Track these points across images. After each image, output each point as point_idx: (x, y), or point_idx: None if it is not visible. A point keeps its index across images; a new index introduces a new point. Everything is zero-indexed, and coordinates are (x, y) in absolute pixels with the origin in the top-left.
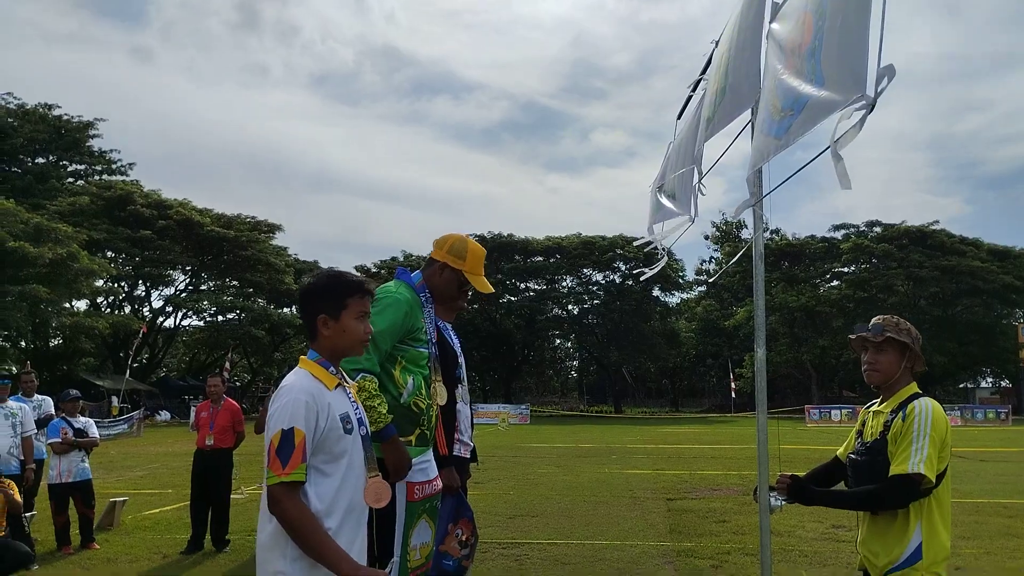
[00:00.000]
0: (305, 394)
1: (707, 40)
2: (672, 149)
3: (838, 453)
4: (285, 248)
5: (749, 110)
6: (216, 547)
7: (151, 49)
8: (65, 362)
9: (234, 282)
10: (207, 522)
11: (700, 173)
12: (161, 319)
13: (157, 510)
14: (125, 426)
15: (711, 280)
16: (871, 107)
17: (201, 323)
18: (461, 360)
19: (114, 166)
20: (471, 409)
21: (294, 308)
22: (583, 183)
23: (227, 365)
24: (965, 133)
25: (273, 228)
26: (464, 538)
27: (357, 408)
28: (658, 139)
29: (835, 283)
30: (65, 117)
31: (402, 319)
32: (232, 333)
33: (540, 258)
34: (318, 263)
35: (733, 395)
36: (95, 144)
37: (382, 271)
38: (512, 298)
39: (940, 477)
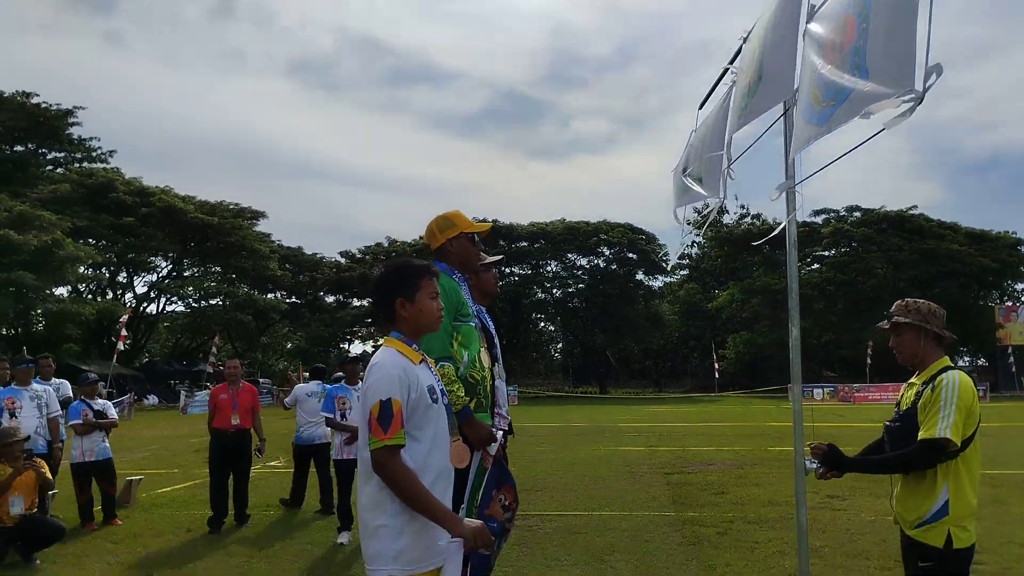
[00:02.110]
0: (397, 368)
1: (688, 28)
2: (696, 137)
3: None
4: (269, 234)
5: (781, 103)
6: (237, 522)
7: (126, 36)
8: (48, 348)
9: (217, 268)
10: (228, 503)
11: (729, 158)
12: (144, 305)
13: (169, 488)
14: (117, 410)
15: (698, 259)
16: (920, 100)
17: (185, 309)
18: (496, 340)
19: (94, 154)
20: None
21: (279, 293)
22: (565, 169)
23: (213, 349)
24: (943, 120)
25: (256, 215)
26: (507, 503)
27: (438, 380)
28: (638, 126)
29: (816, 266)
30: (43, 105)
31: (447, 298)
32: (216, 318)
33: (525, 243)
34: (302, 249)
35: (716, 375)
36: (74, 132)
37: (367, 256)
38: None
39: (967, 442)
